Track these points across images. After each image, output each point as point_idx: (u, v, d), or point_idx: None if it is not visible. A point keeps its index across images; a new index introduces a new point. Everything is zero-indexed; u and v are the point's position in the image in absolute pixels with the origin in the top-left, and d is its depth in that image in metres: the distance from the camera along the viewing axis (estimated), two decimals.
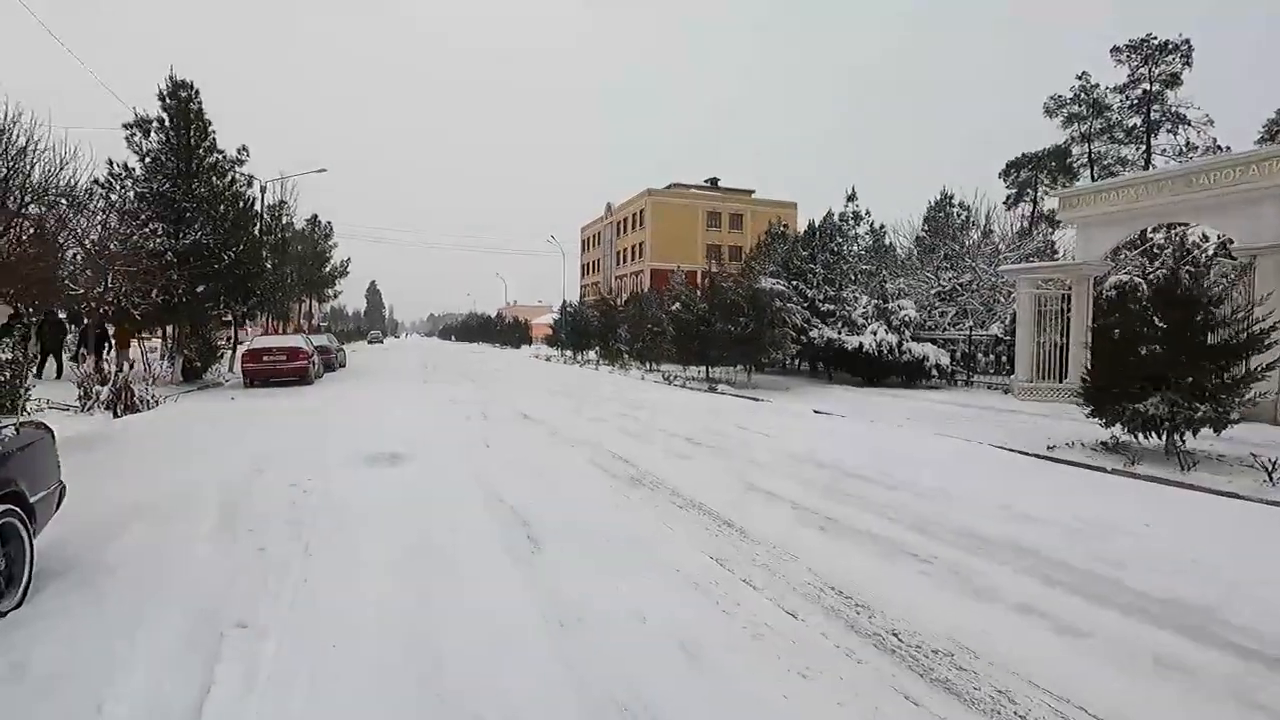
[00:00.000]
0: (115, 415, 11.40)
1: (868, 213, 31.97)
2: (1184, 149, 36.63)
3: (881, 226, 31.53)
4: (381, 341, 79.77)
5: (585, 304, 44.77)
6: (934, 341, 21.14)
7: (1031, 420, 12.73)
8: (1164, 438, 9.00)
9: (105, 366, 18.56)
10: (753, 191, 73.39)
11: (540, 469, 7.08)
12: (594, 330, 35.70)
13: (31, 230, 13.11)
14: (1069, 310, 17.32)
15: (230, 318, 23.01)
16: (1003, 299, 22.21)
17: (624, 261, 74.44)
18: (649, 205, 67.36)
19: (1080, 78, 40.93)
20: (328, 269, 44.09)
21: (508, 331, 72.06)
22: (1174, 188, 14.58)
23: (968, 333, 20.69)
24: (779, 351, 19.16)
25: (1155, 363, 8.83)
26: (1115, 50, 38.46)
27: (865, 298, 23.06)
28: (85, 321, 15.43)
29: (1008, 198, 49.65)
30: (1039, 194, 51.69)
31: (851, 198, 31.16)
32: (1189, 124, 37.17)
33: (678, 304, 29.60)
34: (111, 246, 13.32)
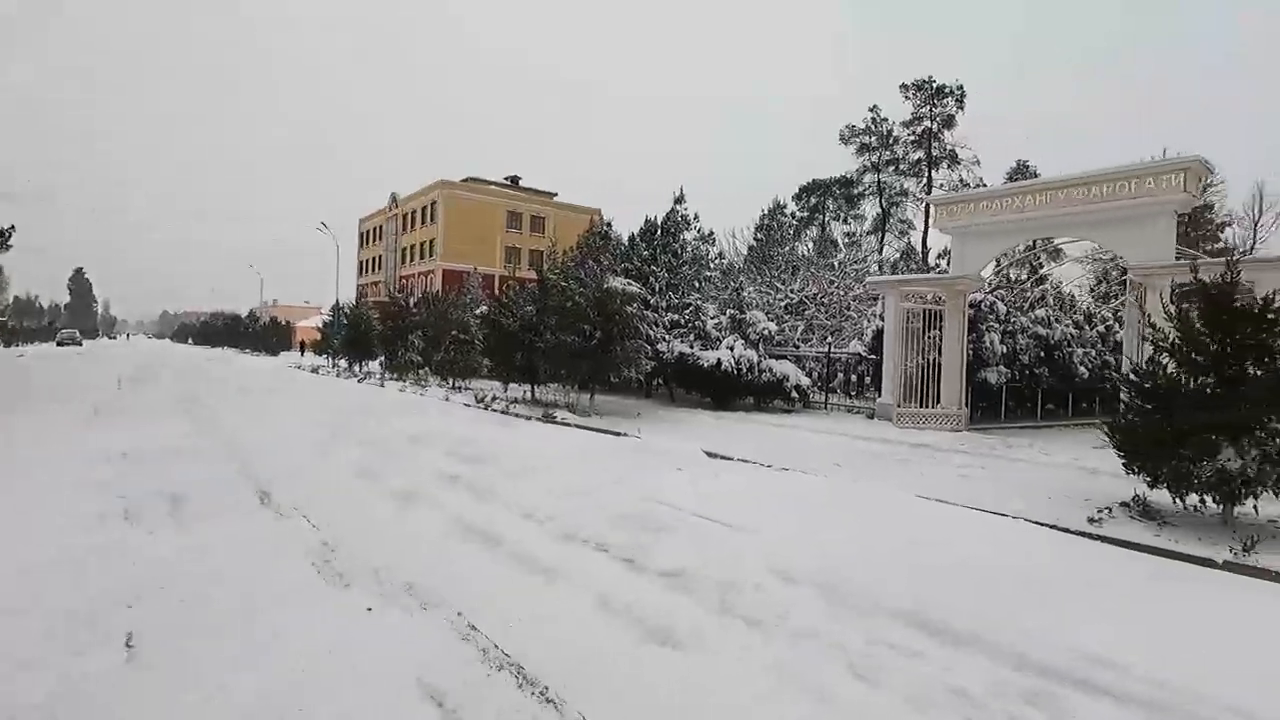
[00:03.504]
0: None
1: (696, 216, 29.80)
2: (958, 185, 40.12)
3: (710, 233, 29.60)
4: (79, 343, 61.66)
5: (365, 304, 37.47)
6: (786, 358, 18.94)
7: (977, 463, 10.29)
8: (1229, 503, 6.69)
9: None
10: (555, 194, 69.87)
11: None
12: (377, 336, 29.19)
13: None
14: (937, 326, 15.89)
15: None
16: (853, 314, 20.83)
17: (410, 260, 66.40)
18: (442, 198, 60.54)
19: (872, 110, 43.44)
20: None
21: (263, 335, 60.13)
22: (1066, 199, 13.43)
23: (826, 349, 18.73)
24: (632, 369, 15.39)
25: (1221, 401, 6.48)
26: (904, 87, 41.24)
27: (712, 307, 20.31)
28: None
29: (800, 220, 51.83)
30: (826, 219, 54.94)
31: (680, 200, 28.65)
32: (960, 163, 40.88)
33: (484, 307, 24.73)
34: None
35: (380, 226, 73.96)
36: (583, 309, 15.02)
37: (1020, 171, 40.19)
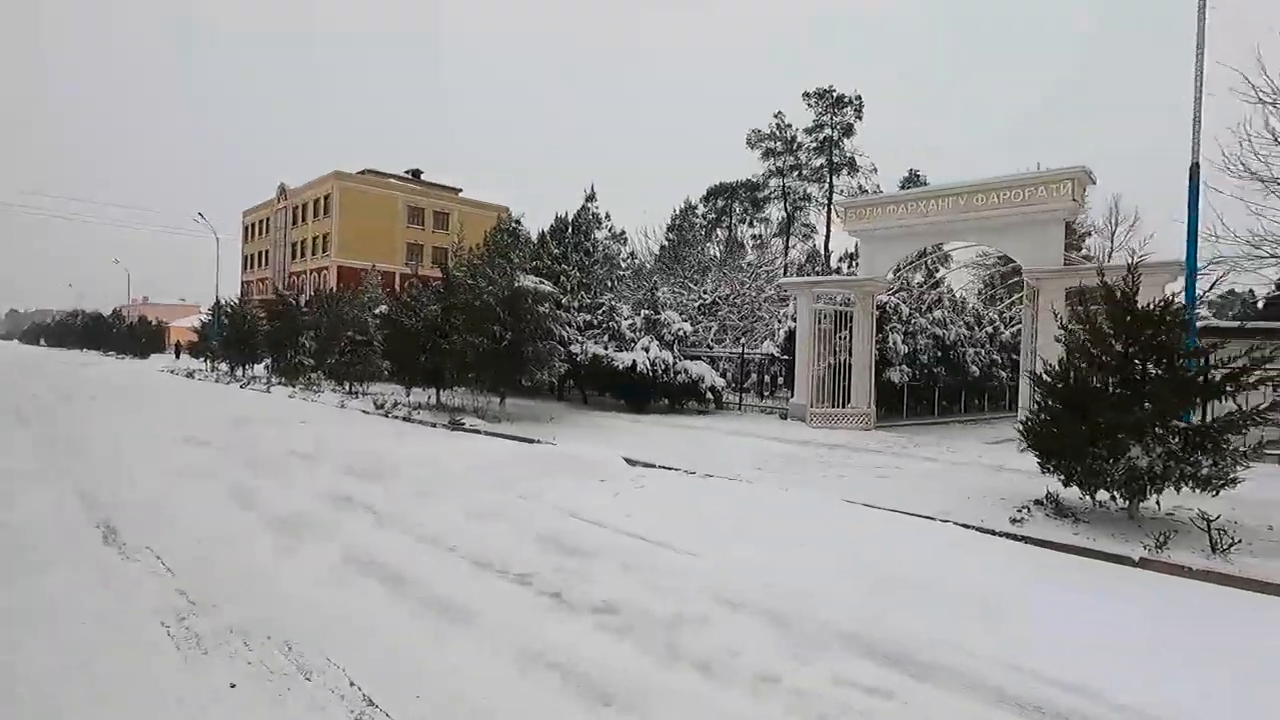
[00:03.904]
0: None
1: (608, 215, 29.38)
2: (856, 192, 41.80)
3: (622, 232, 29.28)
4: None
5: (250, 302, 34.55)
6: (700, 359, 18.84)
7: (892, 463, 10.37)
8: (1137, 498, 6.92)
9: None
10: (460, 190, 67.46)
11: None
12: (263, 337, 26.87)
13: None
14: (847, 327, 16.19)
15: None
16: (764, 315, 21.03)
17: (302, 255, 62.18)
18: (337, 190, 57.05)
19: (777, 116, 44.54)
20: None
21: (130, 335, 54.53)
22: (966, 204, 13.95)
23: (740, 350, 18.76)
24: (545, 372, 14.72)
25: (1129, 401, 6.70)
26: (806, 95, 42.53)
27: (626, 308, 19.93)
28: None
29: (709, 222, 52.47)
30: (733, 222, 55.95)
31: (591, 197, 28.15)
32: (859, 170, 42.63)
33: (385, 306, 23.22)
34: None
35: (267, 219, 68.84)
36: (492, 308, 14.21)
37: (912, 180, 42.40)
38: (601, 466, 9.04)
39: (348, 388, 20.13)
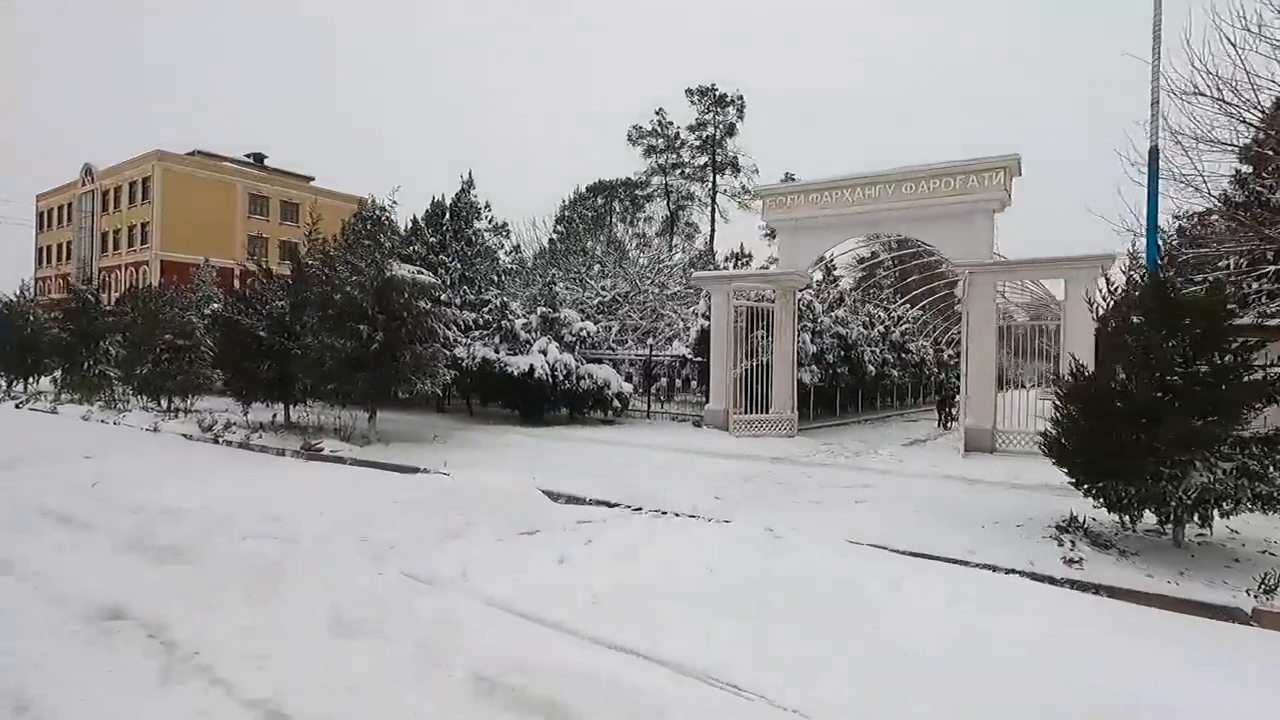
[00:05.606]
0: None
1: (487, 205, 26.58)
2: (740, 191, 41.68)
3: (505, 224, 26.58)
4: None
5: (39, 301, 28.19)
6: (603, 362, 16.88)
7: (854, 479, 8.96)
8: (1183, 523, 5.79)
9: None
10: (312, 178, 60.82)
11: None
12: (52, 343, 21.54)
13: None
14: (762, 326, 14.86)
15: None
16: (668, 314, 19.40)
17: (115, 248, 53.24)
18: (159, 172, 49.23)
19: (659, 113, 43.53)
20: None
21: None
22: (895, 194, 13.01)
23: (647, 352, 16.97)
24: (428, 381, 12.06)
25: (1189, 410, 5.53)
26: (689, 92, 41.83)
27: (516, 304, 17.56)
28: None
29: (590, 218, 50.66)
30: (613, 219, 54.47)
31: (470, 185, 25.28)
32: (741, 170, 42.56)
33: (215, 305, 19.22)
34: None
35: (69, 204, 58.40)
36: (358, 303, 11.39)
37: (788, 182, 43.02)
38: (522, 507, 6.84)
39: (165, 404, 16.15)
